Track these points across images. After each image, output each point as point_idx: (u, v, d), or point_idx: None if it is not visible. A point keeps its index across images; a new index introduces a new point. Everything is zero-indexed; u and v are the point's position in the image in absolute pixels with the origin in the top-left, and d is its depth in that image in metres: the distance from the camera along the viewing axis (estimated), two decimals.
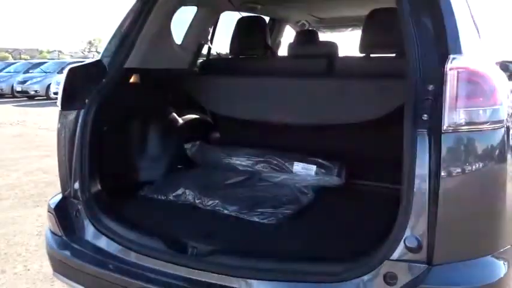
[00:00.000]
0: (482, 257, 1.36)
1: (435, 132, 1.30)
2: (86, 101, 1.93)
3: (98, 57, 2.16)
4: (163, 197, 2.18)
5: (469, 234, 1.35)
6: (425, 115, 1.32)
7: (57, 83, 14.08)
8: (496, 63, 1.57)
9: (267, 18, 3.74)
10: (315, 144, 2.51)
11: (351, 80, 2.26)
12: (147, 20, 2.15)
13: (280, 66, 2.75)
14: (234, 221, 1.93)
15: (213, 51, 3.14)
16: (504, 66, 1.85)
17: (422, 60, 1.39)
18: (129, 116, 2.30)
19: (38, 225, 3.56)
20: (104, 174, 1.98)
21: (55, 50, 61.47)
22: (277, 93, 2.40)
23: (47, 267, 2.03)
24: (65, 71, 1.96)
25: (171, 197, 2.16)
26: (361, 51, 2.38)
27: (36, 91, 16.82)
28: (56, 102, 2.02)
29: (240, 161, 2.50)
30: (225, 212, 2.00)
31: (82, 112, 1.91)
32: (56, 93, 13.22)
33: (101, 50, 2.21)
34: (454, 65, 1.30)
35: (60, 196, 1.98)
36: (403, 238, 1.32)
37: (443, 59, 1.33)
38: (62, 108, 1.95)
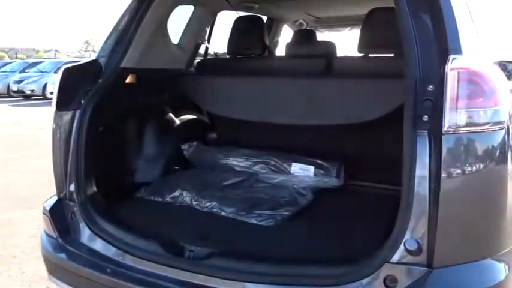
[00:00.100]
0: (482, 259, 1.35)
1: (436, 133, 1.28)
2: (82, 101, 1.90)
3: (94, 56, 2.14)
4: (160, 199, 2.16)
5: (469, 236, 1.34)
6: (426, 116, 1.30)
7: (54, 83, 14.00)
8: (495, 63, 1.56)
9: (264, 18, 3.72)
10: (313, 145, 2.50)
11: (349, 80, 2.24)
12: (143, 20, 2.13)
13: (278, 66, 2.73)
14: (231, 223, 1.91)
15: (210, 51, 3.12)
16: (502, 66, 1.84)
17: (422, 60, 1.37)
18: (126, 116, 2.28)
19: (33, 226, 3.51)
20: (100, 175, 1.96)
21: (52, 50, 61.18)
22: (275, 94, 2.38)
23: (43, 270, 2.01)
24: (60, 71, 1.93)
25: (167, 199, 2.15)
26: (359, 51, 2.36)
27: (32, 91, 16.79)
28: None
29: (238, 162, 2.48)
30: (223, 213, 1.98)
31: (78, 113, 1.88)
32: (52, 93, 13.13)
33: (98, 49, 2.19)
34: (454, 66, 1.29)
35: (55, 198, 1.96)
36: (403, 241, 1.31)
37: (443, 59, 1.31)
38: (57, 108, 1.93)
